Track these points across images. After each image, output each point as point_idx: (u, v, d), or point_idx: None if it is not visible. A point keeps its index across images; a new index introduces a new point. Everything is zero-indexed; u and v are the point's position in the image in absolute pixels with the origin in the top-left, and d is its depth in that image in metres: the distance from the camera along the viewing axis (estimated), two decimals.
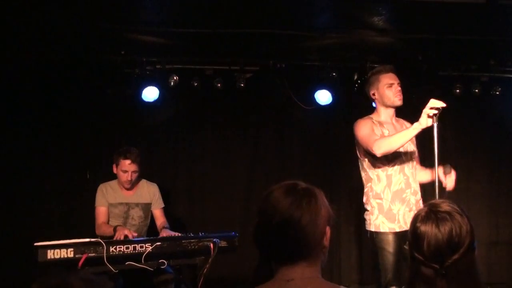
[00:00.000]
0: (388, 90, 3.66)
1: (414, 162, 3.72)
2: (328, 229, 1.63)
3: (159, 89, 5.02)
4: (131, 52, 4.91)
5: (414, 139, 3.61)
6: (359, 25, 4.39)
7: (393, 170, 3.60)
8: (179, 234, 4.02)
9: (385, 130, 3.64)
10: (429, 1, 3.71)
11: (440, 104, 3.15)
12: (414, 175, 3.68)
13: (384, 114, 3.71)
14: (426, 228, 1.70)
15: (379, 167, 3.61)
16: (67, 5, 3.88)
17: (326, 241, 1.63)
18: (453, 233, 1.68)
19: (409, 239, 1.77)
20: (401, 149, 3.54)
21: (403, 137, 3.36)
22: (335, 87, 5.17)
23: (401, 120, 3.79)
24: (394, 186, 3.60)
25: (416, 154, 3.76)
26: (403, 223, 3.54)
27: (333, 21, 4.35)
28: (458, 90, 5.23)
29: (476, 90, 5.24)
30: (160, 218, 4.38)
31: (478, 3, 3.72)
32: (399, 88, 3.67)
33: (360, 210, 5.70)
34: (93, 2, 3.84)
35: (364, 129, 3.61)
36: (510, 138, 5.65)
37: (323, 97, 5.19)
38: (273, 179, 4.02)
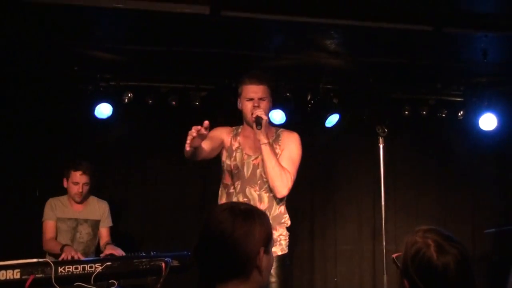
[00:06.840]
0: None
1: (266, 186, 3.38)
2: (262, 250, 1.63)
3: (112, 106, 4.97)
4: (84, 68, 4.86)
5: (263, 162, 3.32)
6: (312, 48, 4.50)
7: (234, 189, 3.43)
8: (123, 253, 3.95)
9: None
10: (379, 27, 3.84)
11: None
12: (262, 198, 3.38)
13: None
14: (447, 259, 1.64)
15: (223, 185, 3.52)
16: (20, 20, 3.82)
17: (260, 262, 1.63)
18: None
19: (414, 278, 1.68)
20: (242, 171, 3.39)
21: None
22: (288, 107, 5.25)
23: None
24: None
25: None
26: None
27: (287, 43, 4.44)
28: (407, 112, 5.43)
29: (424, 112, 5.44)
30: (105, 238, 4.30)
31: (425, 30, 3.88)
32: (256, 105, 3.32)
33: None
34: (46, 17, 3.79)
35: None
36: (455, 158, 5.89)
37: (277, 116, 5.26)
38: None
